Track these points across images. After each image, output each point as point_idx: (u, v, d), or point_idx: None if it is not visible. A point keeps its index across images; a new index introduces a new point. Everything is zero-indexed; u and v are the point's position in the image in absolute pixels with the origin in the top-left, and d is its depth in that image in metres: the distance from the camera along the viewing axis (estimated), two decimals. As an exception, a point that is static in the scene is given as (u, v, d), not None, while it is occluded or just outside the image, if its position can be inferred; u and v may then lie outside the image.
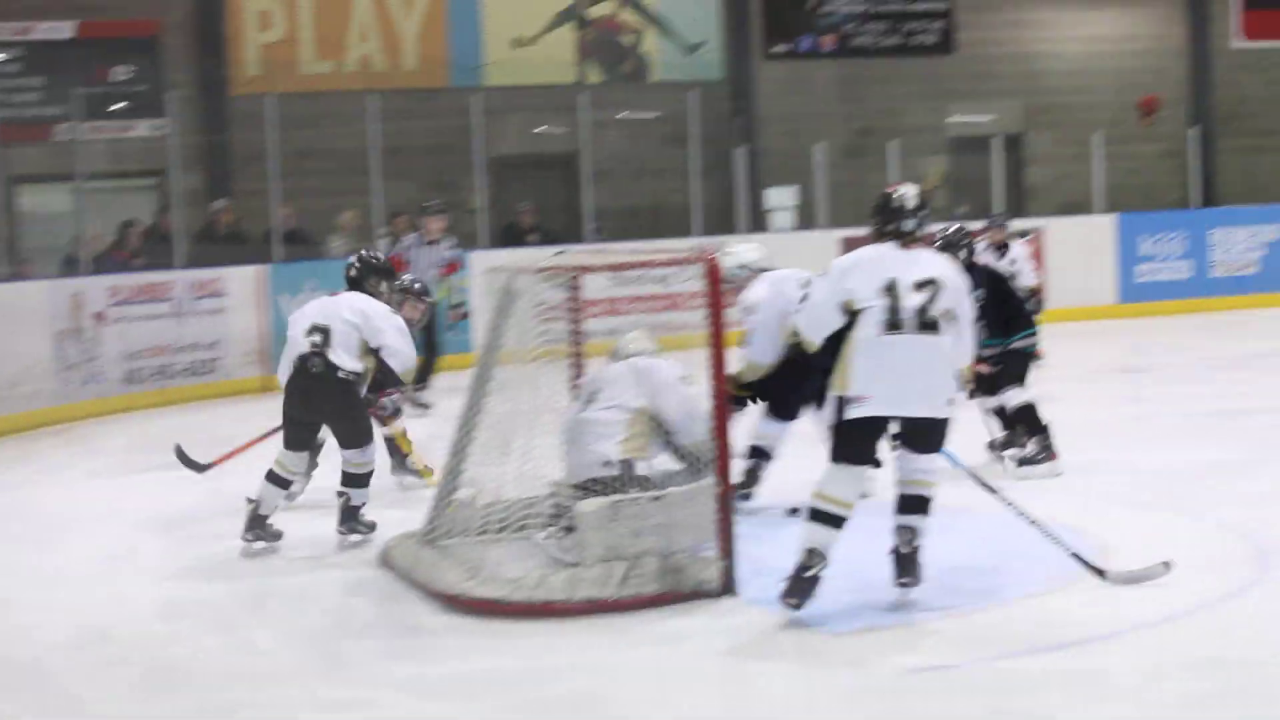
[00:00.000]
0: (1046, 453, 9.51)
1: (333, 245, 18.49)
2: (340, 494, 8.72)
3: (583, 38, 22.33)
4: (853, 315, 6.79)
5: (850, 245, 19.19)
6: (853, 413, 6.73)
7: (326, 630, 7.02)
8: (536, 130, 21.97)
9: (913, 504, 6.99)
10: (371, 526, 8.72)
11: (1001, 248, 15.07)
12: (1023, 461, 9.41)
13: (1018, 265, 15.13)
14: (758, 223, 20.77)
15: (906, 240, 6.94)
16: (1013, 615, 6.68)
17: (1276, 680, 5.68)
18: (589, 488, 7.60)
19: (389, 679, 6.26)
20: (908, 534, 6.98)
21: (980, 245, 15.59)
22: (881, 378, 6.71)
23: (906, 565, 6.95)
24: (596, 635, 6.64)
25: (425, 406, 13.89)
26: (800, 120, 22.73)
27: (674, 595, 6.99)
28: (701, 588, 7.04)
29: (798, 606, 6.66)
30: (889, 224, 6.95)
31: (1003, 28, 23.93)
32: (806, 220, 20.69)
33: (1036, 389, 9.86)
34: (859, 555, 7.68)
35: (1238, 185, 23.64)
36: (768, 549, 7.83)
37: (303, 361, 8.67)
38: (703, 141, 20.33)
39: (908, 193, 7.01)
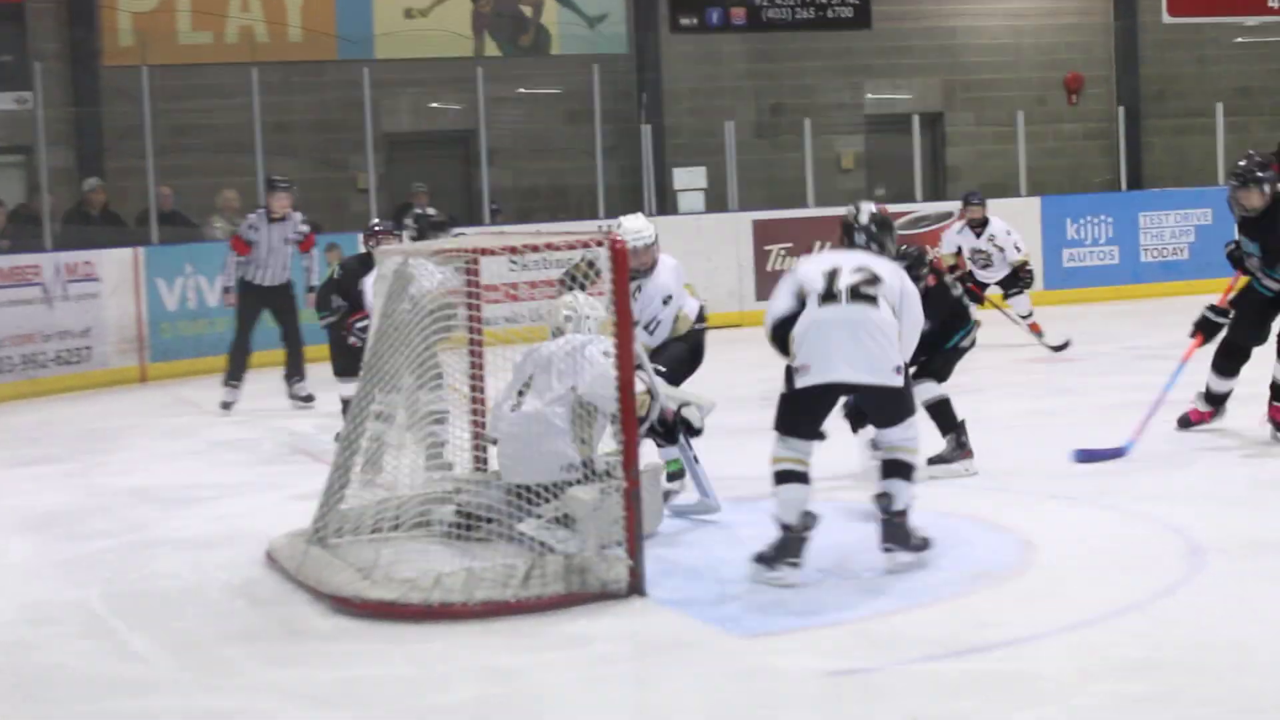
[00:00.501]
0: (960, 450, 9.56)
1: (213, 227, 18.34)
2: None
3: (479, 8, 22.25)
4: (802, 302, 7.37)
5: (762, 228, 19.50)
6: (798, 382, 7.22)
7: (206, 634, 6.94)
8: (430, 106, 21.90)
9: (891, 468, 7.45)
10: None
11: (979, 226, 15.38)
12: (934, 460, 9.43)
13: (998, 241, 15.44)
14: (666, 204, 20.81)
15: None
16: (933, 616, 6.70)
17: (1210, 682, 5.72)
18: (546, 491, 7.60)
19: (274, 686, 6.20)
20: (885, 499, 7.39)
21: (957, 226, 15.79)
22: (818, 346, 7.22)
23: (889, 531, 7.38)
24: (496, 639, 6.61)
25: (306, 400, 13.78)
26: (709, 97, 22.79)
27: (579, 596, 6.97)
28: (608, 588, 7.02)
29: (797, 565, 7.15)
30: (845, 240, 7.60)
31: (922, 1, 24.06)
32: (717, 202, 20.72)
33: (955, 380, 9.89)
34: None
35: (1167, 167, 23.91)
36: (678, 549, 7.86)
37: None
38: (607, 118, 20.36)
39: (862, 209, 7.68)
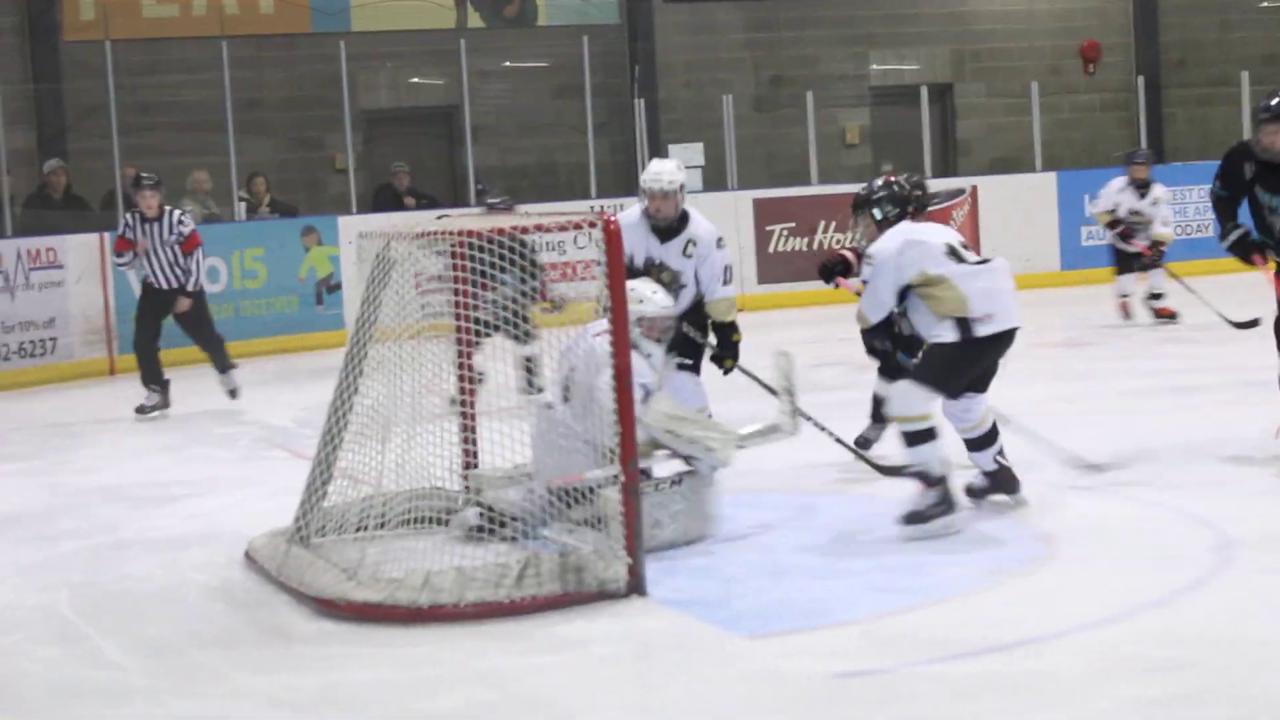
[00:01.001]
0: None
1: (183, 209, 18.33)
2: None
3: (463, -24, 22.24)
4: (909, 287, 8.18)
5: (763, 207, 19.51)
6: (981, 330, 8.02)
7: (182, 639, 6.96)
8: (411, 81, 21.91)
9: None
10: None
11: (1143, 186, 15.76)
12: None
13: (1159, 209, 15.76)
14: (660, 183, 20.79)
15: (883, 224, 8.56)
16: (945, 615, 6.73)
17: (1236, 683, 5.74)
18: (580, 493, 7.67)
19: (254, 693, 6.22)
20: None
21: (1120, 183, 15.79)
22: (998, 296, 8.11)
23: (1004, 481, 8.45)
24: (488, 641, 6.63)
25: (232, 394, 13.77)
26: (706, 69, 22.81)
27: (576, 596, 7.00)
28: (606, 588, 7.05)
29: (955, 509, 7.96)
30: (909, 212, 8.62)
31: (930, -35, 24.09)
32: (715, 180, 20.75)
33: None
34: (779, 552, 7.77)
35: (1189, 139, 23.92)
36: (679, 547, 7.89)
37: None
38: (597, 93, 20.40)
39: (873, 183, 8.66)
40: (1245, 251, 9.57)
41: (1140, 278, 16.07)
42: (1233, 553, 7.38)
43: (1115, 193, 16.09)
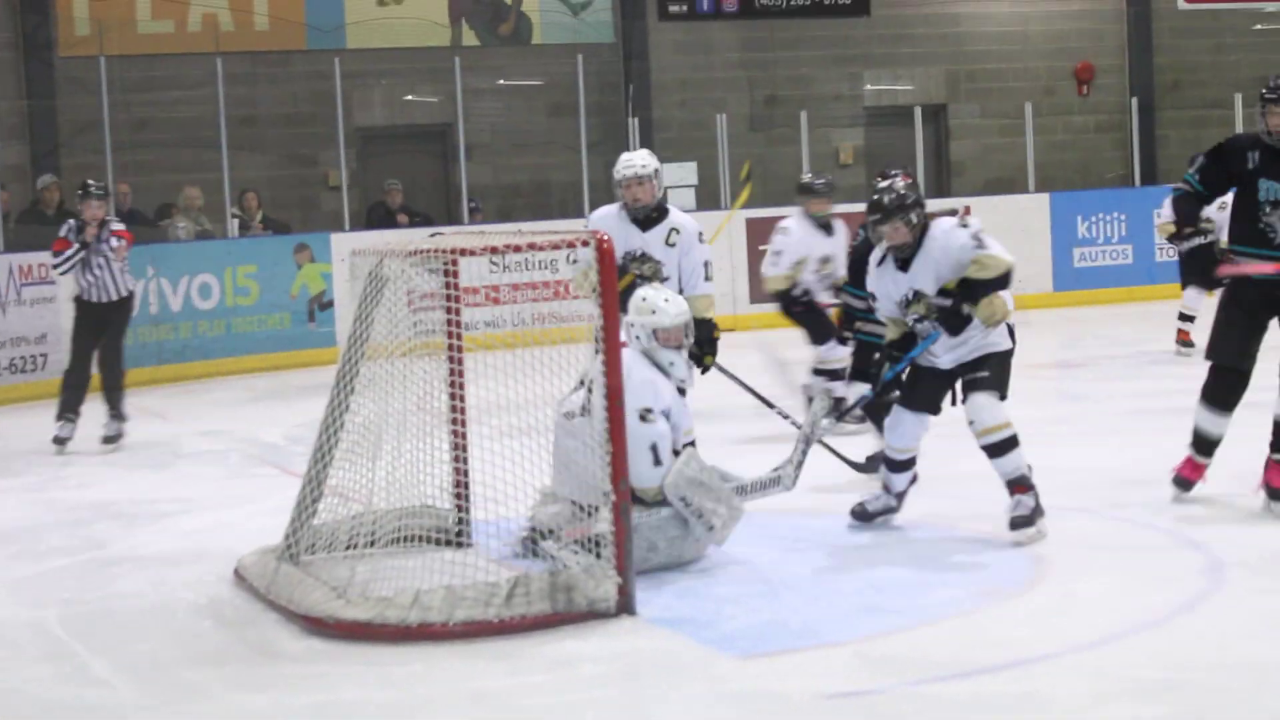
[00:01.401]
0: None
1: (176, 226, 18.35)
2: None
3: (457, -5, 22.25)
4: None
5: (756, 227, 19.47)
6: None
7: (172, 657, 6.94)
8: (405, 99, 21.91)
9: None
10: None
11: None
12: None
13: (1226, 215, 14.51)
14: (654, 202, 20.80)
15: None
16: (938, 635, 6.71)
17: (1231, 704, 5.74)
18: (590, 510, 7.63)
19: (244, 711, 6.21)
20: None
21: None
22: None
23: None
24: (478, 661, 6.61)
25: (110, 440, 12.89)
26: (700, 88, 22.83)
27: (566, 615, 6.98)
28: (596, 607, 7.03)
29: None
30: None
31: (924, -14, 24.11)
32: (709, 199, 20.75)
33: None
34: (770, 572, 7.76)
35: (1183, 161, 23.88)
36: (670, 566, 7.86)
37: None
38: (591, 111, 20.40)
39: (896, 185, 8.40)
40: (1206, 264, 9.10)
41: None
42: (1226, 573, 7.37)
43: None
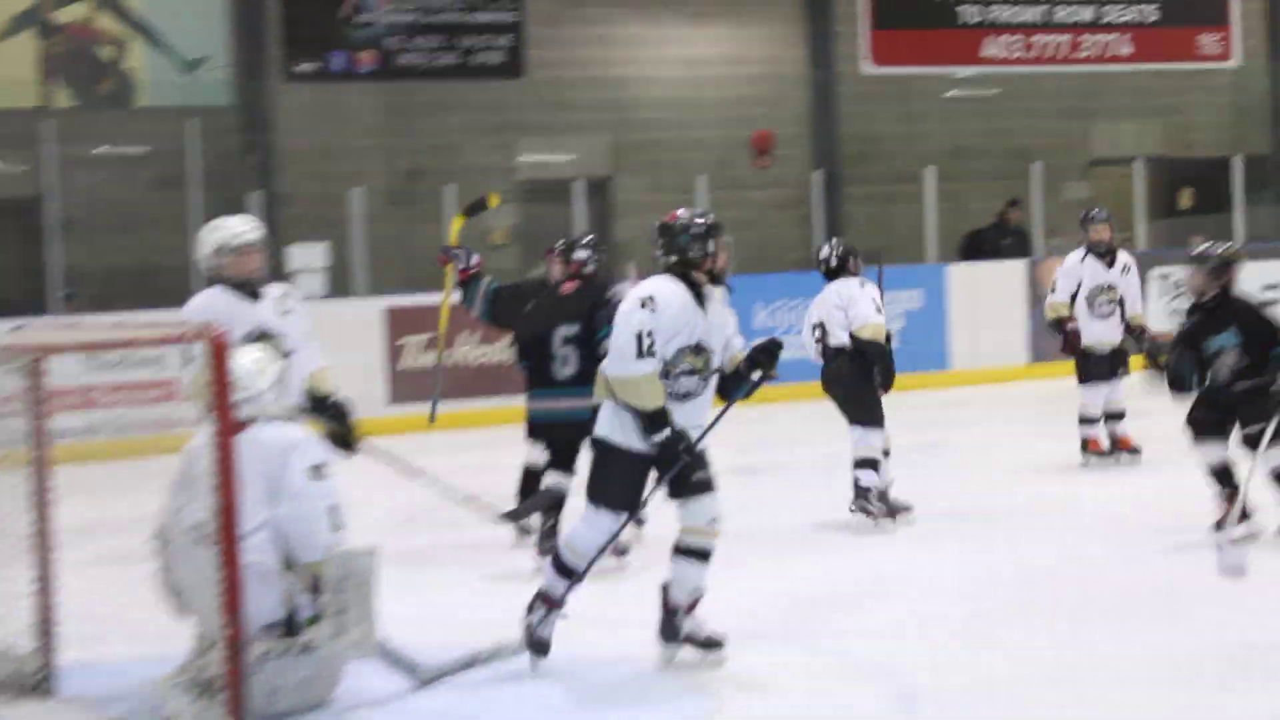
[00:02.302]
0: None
1: None
2: None
3: (48, 49, 21.80)
4: None
5: (397, 318, 19.32)
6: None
7: None
8: (-14, 168, 21.44)
9: None
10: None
11: (1107, 253, 14.11)
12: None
13: (1130, 279, 14.19)
14: (279, 288, 20.57)
15: None
16: None
17: None
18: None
19: None
20: None
21: (1077, 256, 14.24)
22: None
23: None
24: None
25: None
26: (333, 158, 22.68)
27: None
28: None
29: None
30: None
31: (584, 46, 24.29)
32: (341, 285, 20.55)
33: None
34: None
35: (870, 240, 24.36)
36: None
37: None
38: (206, 184, 20.11)
39: None
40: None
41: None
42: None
43: (1075, 266, 14.26)
